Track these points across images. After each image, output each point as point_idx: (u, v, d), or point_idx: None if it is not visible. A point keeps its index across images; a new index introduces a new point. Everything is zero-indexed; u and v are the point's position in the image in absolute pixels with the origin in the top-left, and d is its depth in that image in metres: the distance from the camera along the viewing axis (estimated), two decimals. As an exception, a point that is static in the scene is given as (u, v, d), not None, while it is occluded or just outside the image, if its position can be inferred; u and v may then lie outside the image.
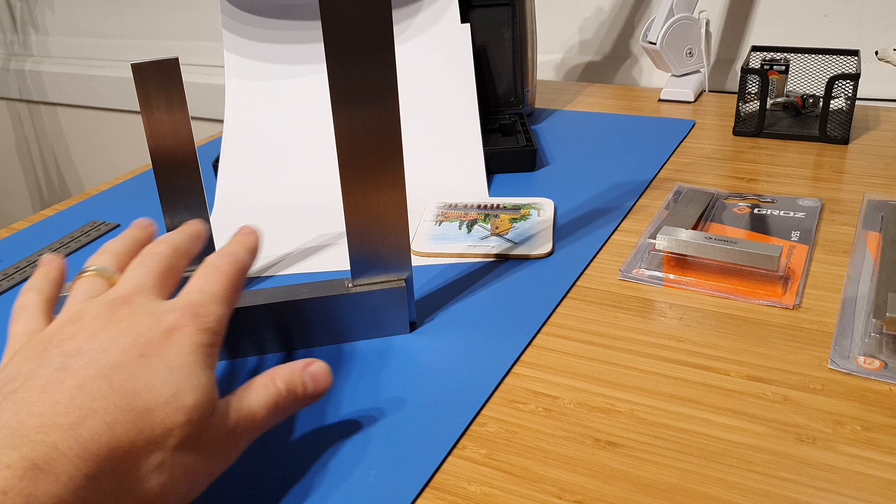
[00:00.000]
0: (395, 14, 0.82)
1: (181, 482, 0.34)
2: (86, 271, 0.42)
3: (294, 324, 0.51)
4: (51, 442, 0.30)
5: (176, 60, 0.50)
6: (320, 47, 0.81)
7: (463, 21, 0.83)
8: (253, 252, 0.45)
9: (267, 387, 0.39)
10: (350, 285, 0.51)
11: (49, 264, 0.45)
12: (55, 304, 0.43)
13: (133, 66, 0.50)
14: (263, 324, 0.51)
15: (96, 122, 1.78)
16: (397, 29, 0.82)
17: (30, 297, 0.42)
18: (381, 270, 0.51)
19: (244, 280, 0.43)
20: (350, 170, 0.48)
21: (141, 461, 0.33)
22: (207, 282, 0.40)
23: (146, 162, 1.68)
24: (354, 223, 0.50)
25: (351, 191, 0.49)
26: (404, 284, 0.51)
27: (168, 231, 0.55)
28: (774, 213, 0.65)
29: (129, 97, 1.65)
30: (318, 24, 0.81)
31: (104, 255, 0.43)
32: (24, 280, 0.64)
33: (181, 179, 0.54)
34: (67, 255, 0.68)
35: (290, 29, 0.82)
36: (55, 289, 0.43)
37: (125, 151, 1.78)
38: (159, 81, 0.50)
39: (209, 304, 0.39)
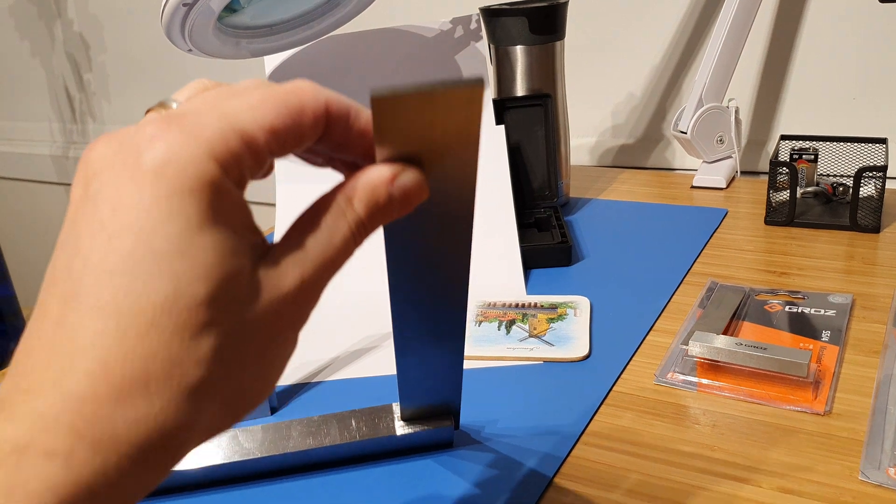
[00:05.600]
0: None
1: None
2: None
3: (344, 458, 0.54)
4: None
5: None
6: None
7: (498, 123, 0.87)
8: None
9: (342, 215, 0.30)
10: (398, 424, 0.54)
11: None
12: None
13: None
14: (312, 462, 0.54)
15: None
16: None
17: None
18: (428, 400, 0.53)
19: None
20: (405, 324, 0.46)
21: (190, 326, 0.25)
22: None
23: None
24: (406, 374, 0.50)
25: (405, 345, 0.47)
26: (451, 425, 0.53)
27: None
28: (806, 311, 0.67)
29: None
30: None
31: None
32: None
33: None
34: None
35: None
36: None
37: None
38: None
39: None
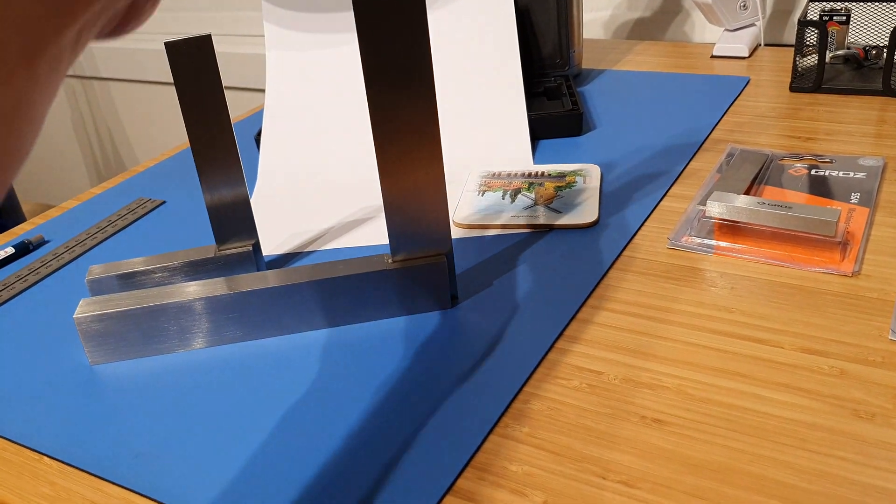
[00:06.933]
0: (435, -22, 0.80)
1: None
2: None
3: (335, 300, 0.51)
4: None
5: (209, 37, 0.49)
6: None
7: (505, -18, 0.81)
8: None
9: None
10: (389, 261, 0.51)
11: None
12: None
13: (167, 44, 0.49)
14: (306, 301, 0.50)
15: (147, 96, 1.80)
16: (437, -7, 0.80)
17: None
18: (420, 245, 0.50)
19: None
20: (385, 145, 0.47)
21: None
22: None
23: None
24: (392, 198, 0.49)
25: (387, 166, 0.48)
26: (444, 260, 0.50)
27: (209, 208, 0.55)
28: (833, 174, 0.62)
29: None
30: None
31: None
32: (74, 260, 0.64)
33: (219, 155, 0.54)
34: (115, 233, 0.68)
35: (329, -3, 0.80)
36: None
37: (176, 123, 1.80)
38: (193, 58, 0.50)
39: None
